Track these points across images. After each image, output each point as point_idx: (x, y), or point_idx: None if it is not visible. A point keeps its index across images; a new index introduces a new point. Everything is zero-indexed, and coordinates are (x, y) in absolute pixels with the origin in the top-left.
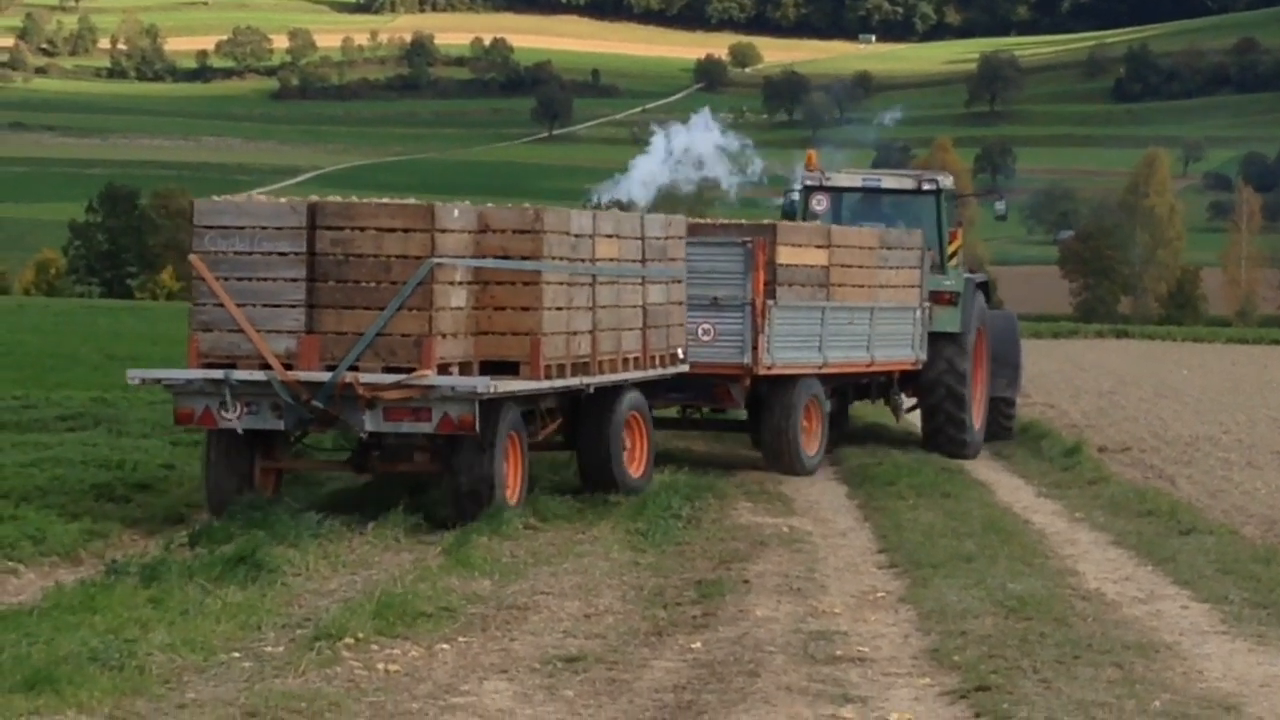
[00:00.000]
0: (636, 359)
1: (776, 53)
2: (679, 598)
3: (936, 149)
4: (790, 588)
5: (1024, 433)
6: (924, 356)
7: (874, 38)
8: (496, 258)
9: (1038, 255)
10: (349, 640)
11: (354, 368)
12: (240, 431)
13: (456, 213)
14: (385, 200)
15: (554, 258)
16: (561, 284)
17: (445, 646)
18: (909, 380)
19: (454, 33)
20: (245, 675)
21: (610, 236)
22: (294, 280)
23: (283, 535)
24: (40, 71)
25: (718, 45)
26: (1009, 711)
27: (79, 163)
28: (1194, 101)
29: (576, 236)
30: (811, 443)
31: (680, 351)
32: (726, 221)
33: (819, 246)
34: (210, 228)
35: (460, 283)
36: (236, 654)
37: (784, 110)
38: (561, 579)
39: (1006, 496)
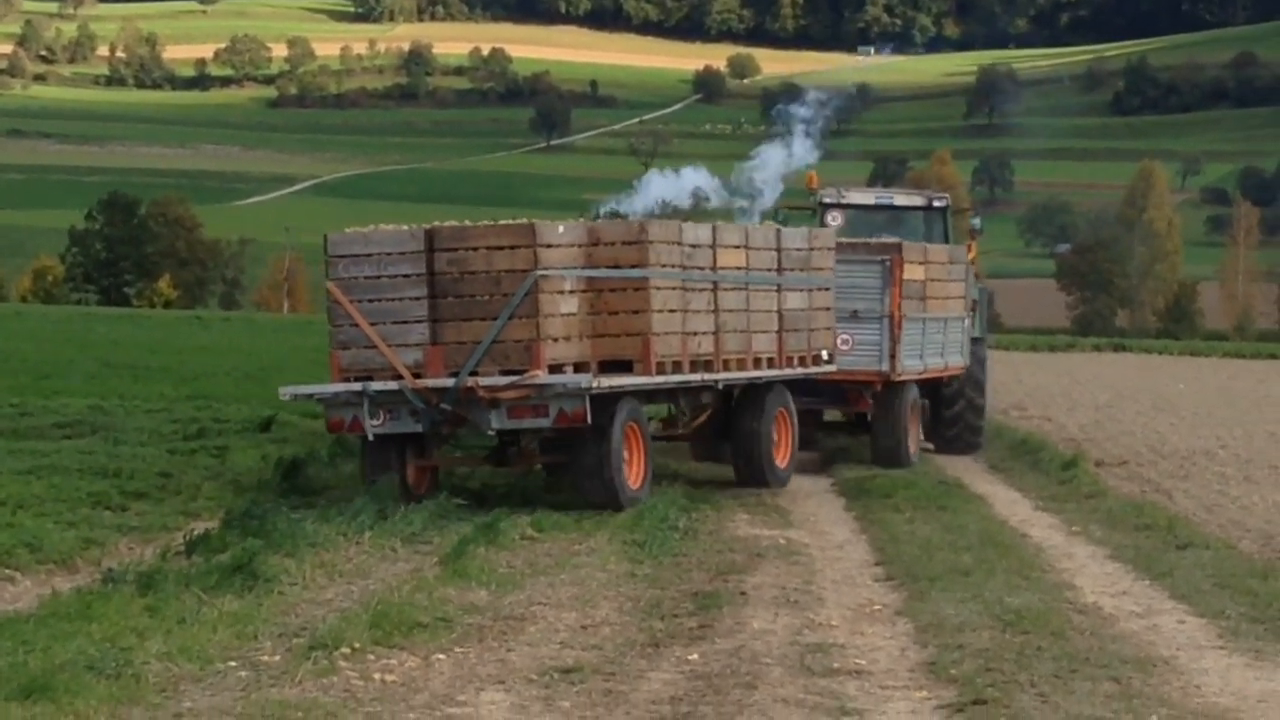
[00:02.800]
0: (771, 359)
1: (775, 64)
2: (676, 609)
3: (935, 161)
4: (787, 600)
5: (1021, 446)
6: (968, 361)
7: (873, 50)
8: (609, 267)
9: (1035, 268)
10: (345, 650)
11: (474, 373)
12: (371, 437)
13: (561, 229)
14: (492, 223)
15: (663, 265)
16: (673, 289)
17: (442, 657)
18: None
19: (452, 42)
20: (241, 684)
21: (736, 247)
22: (417, 298)
23: (279, 544)
24: (39, 79)
25: (716, 56)
26: None
27: (77, 170)
28: (1192, 115)
29: (692, 246)
30: (913, 443)
31: (826, 354)
32: (856, 240)
33: (920, 263)
34: (342, 256)
35: (570, 291)
36: (233, 663)
37: (782, 122)
38: (558, 590)
39: (1004, 510)
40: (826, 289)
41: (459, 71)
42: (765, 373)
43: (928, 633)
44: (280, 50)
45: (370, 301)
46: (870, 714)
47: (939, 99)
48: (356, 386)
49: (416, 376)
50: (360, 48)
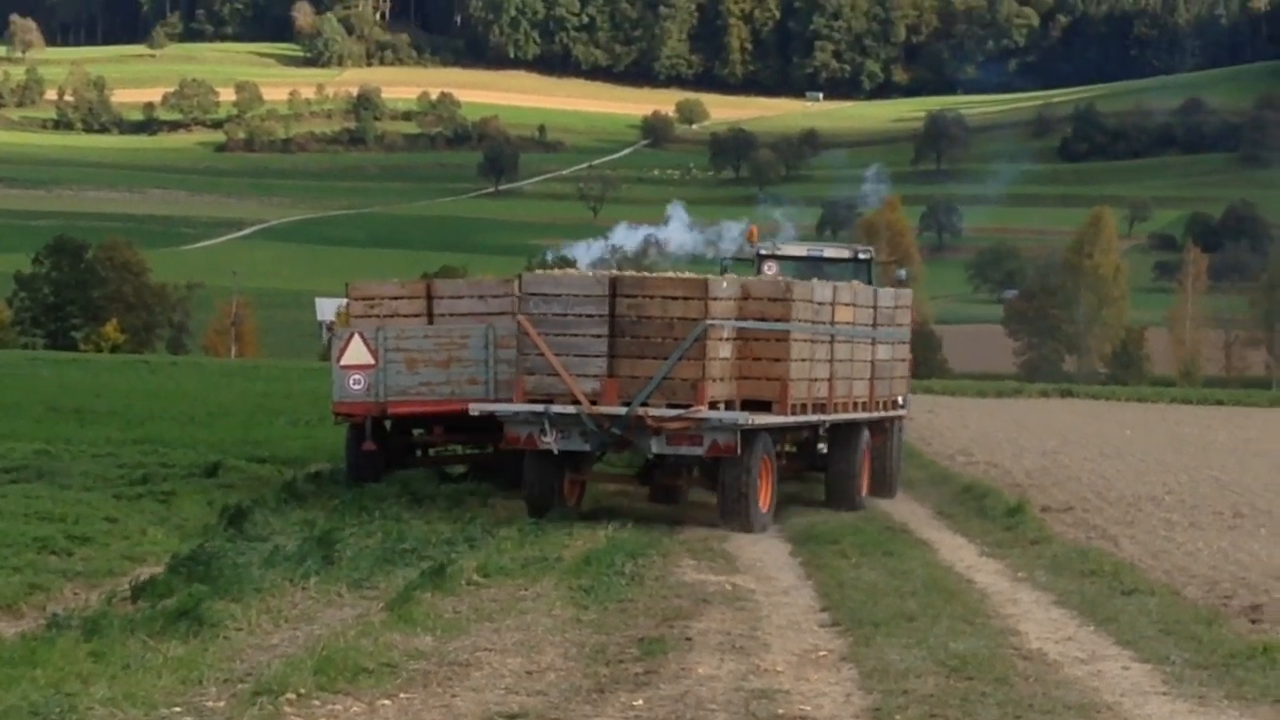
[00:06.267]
0: (863, 403)
1: (723, 110)
2: (621, 655)
3: (886, 207)
4: (733, 646)
5: (966, 492)
6: None
7: (821, 95)
8: (756, 319)
9: (983, 314)
10: (290, 696)
11: (644, 404)
12: (556, 452)
13: (725, 284)
14: (669, 275)
15: (800, 320)
16: (806, 341)
17: (387, 703)
18: None
19: (401, 87)
20: None
21: (848, 305)
22: (598, 336)
23: (225, 590)
24: None
25: (665, 102)
26: None
27: (24, 214)
28: (1140, 161)
29: (819, 304)
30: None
31: (900, 399)
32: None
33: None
34: (534, 294)
35: (726, 339)
36: (178, 709)
37: (730, 167)
38: (504, 635)
39: (949, 556)
40: (905, 342)
41: (407, 116)
42: (860, 415)
43: (873, 678)
44: (228, 95)
45: (556, 336)
46: None
47: (887, 145)
48: (539, 407)
49: (593, 404)
50: (309, 92)
